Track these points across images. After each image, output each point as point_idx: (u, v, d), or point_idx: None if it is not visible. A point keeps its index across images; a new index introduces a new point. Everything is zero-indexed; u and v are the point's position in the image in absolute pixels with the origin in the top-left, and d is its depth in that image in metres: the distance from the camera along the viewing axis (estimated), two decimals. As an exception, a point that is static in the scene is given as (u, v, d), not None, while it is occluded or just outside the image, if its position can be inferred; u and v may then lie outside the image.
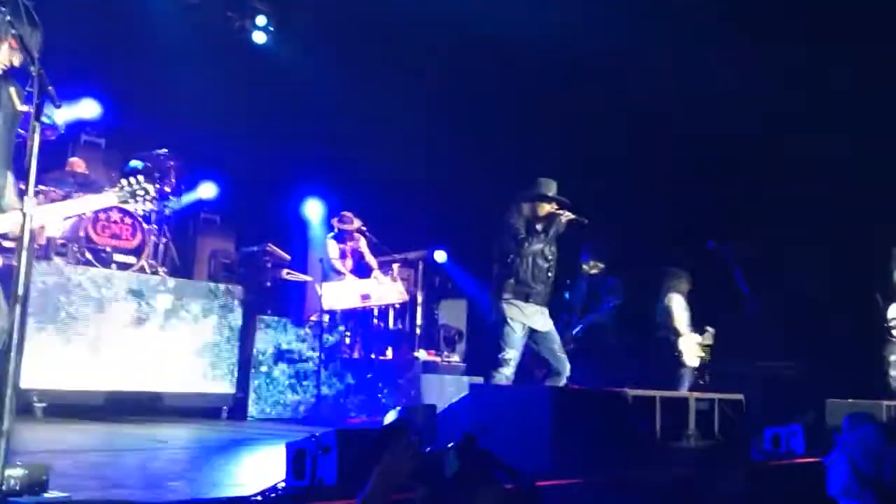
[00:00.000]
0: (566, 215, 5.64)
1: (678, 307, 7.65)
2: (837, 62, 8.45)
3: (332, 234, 8.90)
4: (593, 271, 7.51)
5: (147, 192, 3.21)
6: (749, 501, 3.07)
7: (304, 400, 7.60)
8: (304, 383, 7.64)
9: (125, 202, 3.25)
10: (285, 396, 7.47)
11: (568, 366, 5.72)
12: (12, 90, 3.00)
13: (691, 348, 7.64)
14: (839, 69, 8.51)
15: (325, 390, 7.70)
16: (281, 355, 7.57)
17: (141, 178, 3.23)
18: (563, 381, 5.63)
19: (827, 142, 8.65)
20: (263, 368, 7.36)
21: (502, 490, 2.14)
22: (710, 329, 7.90)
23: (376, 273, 8.78)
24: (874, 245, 7.30)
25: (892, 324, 6.93)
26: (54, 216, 3.47)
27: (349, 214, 8.84)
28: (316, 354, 7.71)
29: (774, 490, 4.16)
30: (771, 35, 8.66)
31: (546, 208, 5.71)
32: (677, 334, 7.63)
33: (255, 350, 7.33)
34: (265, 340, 7.45)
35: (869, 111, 8.48)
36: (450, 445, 2.36)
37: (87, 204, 3.51)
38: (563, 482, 3.44)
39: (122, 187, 3.26)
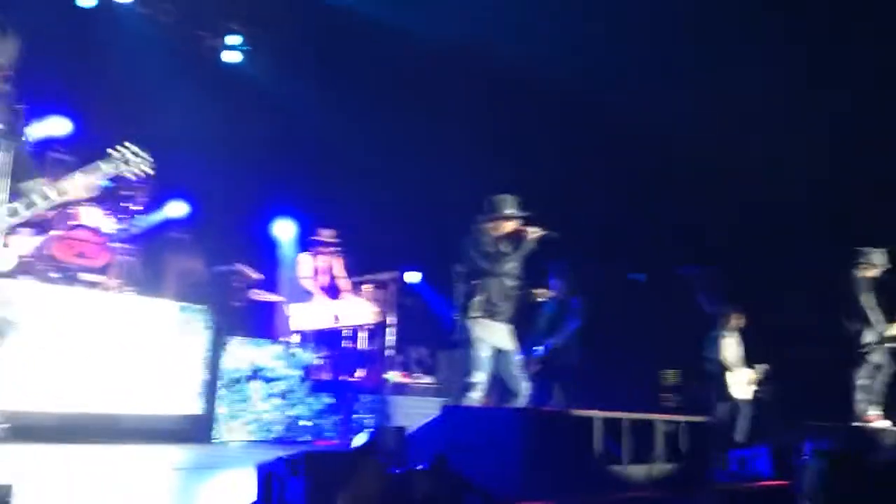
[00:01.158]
0: (536, 232, 5.66)
1: (729, 343, 7.98)
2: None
3: (306, 251, 8.87)
4: (540, 299, 7.52)
5: (139, 156, 3.09)
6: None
7: (279, 419, 7.53)
8: (277, 401, 7.57)
9: (119, 170, 3.09)
10: (259, 416, 7.39)
11: (525, 386, 5.71)
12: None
13: (741, 382, 7.95)
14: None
15: (300, 410, 7.66)
16: (255, 374, 7.51)
17: (131, 145, 3.10)
18: (519, 403, 5.63)
19: (802, 164, 8.85)
20: (235, 388, 7.28)
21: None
22: (762, 365, 8.16)
23: (347, 294, 8.77)
24: (841, 268, 7.45)
25: (864, 349, 7.09)
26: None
27: (327, 231, 8.86)
28: (294, 373, 7.67)
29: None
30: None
31: (510, 225, 5.72)
32: (726, 368, 7.93)
33: (223, 369, 7.25)
34: (238, 358, 7.37)
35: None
36: (419, 467, 2.36)
37: (81, 184, 3.26)
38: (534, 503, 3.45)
39: (111, 156, 3.11)
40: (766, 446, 5.41)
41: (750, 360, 8.23)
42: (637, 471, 4.28)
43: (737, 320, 8.21)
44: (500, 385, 5.87)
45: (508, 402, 5.63)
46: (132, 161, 3.02)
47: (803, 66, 8.61)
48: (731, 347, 8.18)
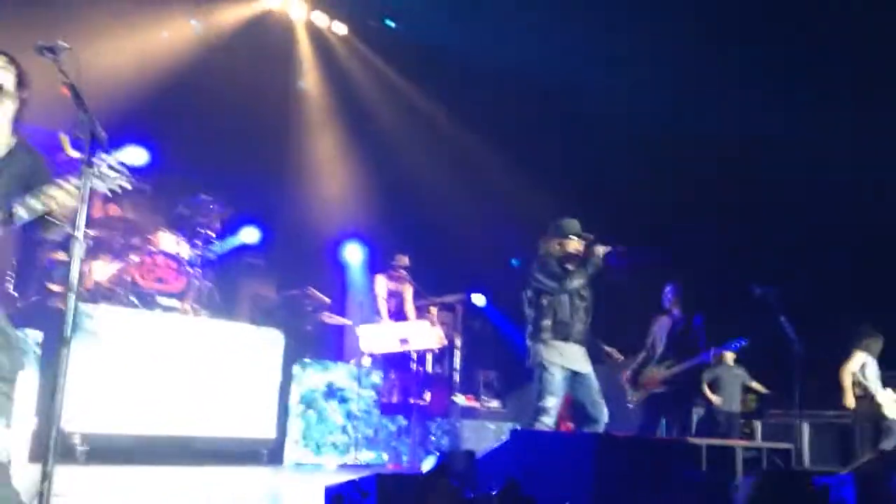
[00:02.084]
0: (601, 248, 5.60)
1: (870, 367, 7.74)
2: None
3: (384, 273, 8.99)
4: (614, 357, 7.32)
5: (115, 170, 2.99)
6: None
7: (354, 440, 7.56)
8: (355, 423, 7.61)
9: (92, 184, 2.97)
10: (334, 436, 7.44)
11: (606, 413, 5.59)
12: (61, 136, 3.07)
13: (890, 401, 7.70)
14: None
15: (376, 431, 7.71)
16: (331, 393, 7.57)
17: (108, 158, 3.00)
18: (599, 429, 5.50)
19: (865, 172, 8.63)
20: (311, 410, 7.35)
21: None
22: None
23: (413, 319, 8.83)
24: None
25: None
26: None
27: (403, 255, 8.98)
28: (367, 393, 7.72)
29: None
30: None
31: (575, 245, 5.69)
32: (869, 392, 7.72)
33: (301, 391, 7.34)
34: (314, 379, 7.46)
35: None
36: (493, 493, 2.32)
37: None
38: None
39: (84, 171, 2.99)
40: (852, 474, 5.17)
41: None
42: (717, 499, 4.13)
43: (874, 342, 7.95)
44: (579, 411, 5.76)
45: (588, 428, 5.50)
46: (107, 176, 2.94)
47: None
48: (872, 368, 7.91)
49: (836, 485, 5.00)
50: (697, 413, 9.26)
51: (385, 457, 7.79)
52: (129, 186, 3.04)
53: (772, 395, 9.00)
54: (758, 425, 8.98)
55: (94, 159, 2.89)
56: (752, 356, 8.61)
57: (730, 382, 9.25)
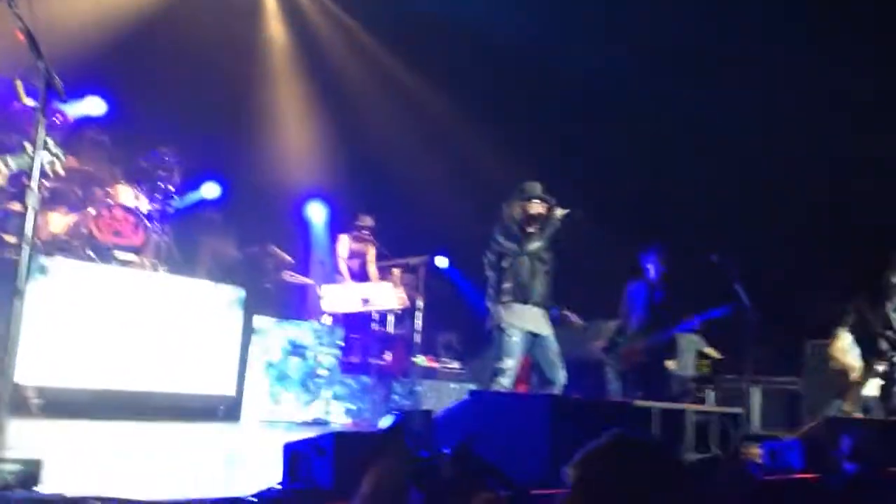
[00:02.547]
0: (559, 211, 5.66)
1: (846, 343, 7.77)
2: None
3: (347, 233, 8.95)
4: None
5: (52, 153, 2.91)
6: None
7: (316, 399, 7.56)
8: (316, 381, 7.60)
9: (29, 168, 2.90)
10: (295, 394, 7.43)
11: (563, 375, 5.68)
12: (17, 82, 2.99)
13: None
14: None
15: (337, 389, 7.71)
16: (294, 351, 7.54)
17: (49, 140, 2.90)
18: (556, 390, 5.59)
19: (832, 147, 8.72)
20: (272, 368, 7.33)
21: (497, 497, 2.13)
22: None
23: (376, 280, 8.82)
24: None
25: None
26: None
27: (366, 216, 8.95)
28: (330, 352, 7.71)
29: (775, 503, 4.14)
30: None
31: (536, 208, 5.73)
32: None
33: (259, 349, 7.31)
34: (276, 336, 7.42)
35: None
36: (444, 451, 2.35)
37: None
38: (559, 491, 3.42)
39: (25, 153, 2.91)
40: (800, 439, 5.32)
41: None
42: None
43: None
44: (537, 373, 5.84)
45: (545, 390, 5.59)
46: (44, 159, 2.83)
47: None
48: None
49: (784, 449, 5.16)
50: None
51: (344, 416, 7.83)
52: (61, 172, 2.95)
53: (725, 360, 9.20)
54: (710, 390, 9.17)
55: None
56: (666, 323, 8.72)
57: (685, 347, 9.44)
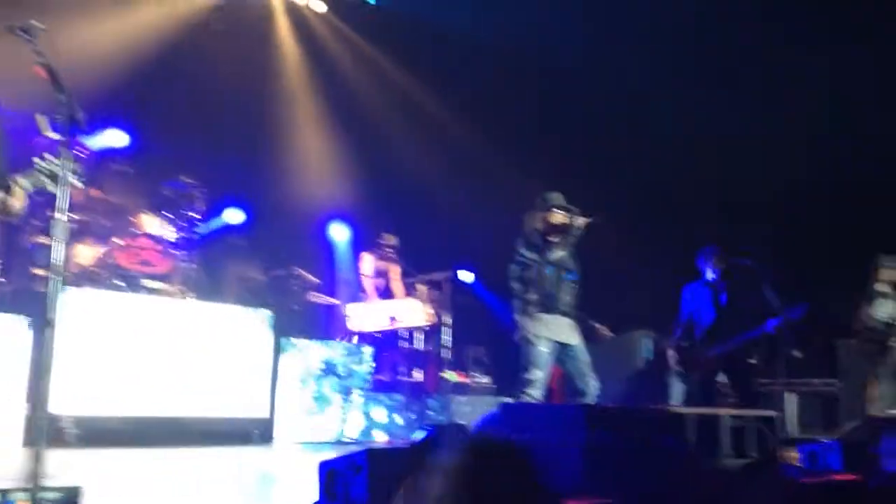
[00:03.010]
0: (581, 219, 5.64)
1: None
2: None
3: (370, 251, 8.99)
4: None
5: (67, 168, 2.94)
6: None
7: (353, 417, 7.56)
8: (349, 399, 7.61)
9: (42, 185, 2.96)
10: (330, 414, 7.44)
11: (595, 386, 5.64)
12: (38, 117, 3.04)
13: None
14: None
15: (372, 407, 7.72)
16: (328, 371, 7.57)
17: (51, 157, 2.93)
18: (588, 401, 5.54)
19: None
20: (306, 388, 7.36)
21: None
22: None
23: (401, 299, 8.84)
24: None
25: None
26: None
27: (390, 235, 8.98)
28: (362, 370, 7.72)
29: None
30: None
31: (559, 218, 5.72)
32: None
33: (292, 370, 7.34)
34: (309, 357, 7.46)
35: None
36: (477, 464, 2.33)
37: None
38: (592, 501, 3.39)
39: (36, 170, 2.94)
40: (839, 440, 5.24)
41: None
42: (703, 467, 4.18)
43: None
44: (568, 384, 5.81)
45: (577, 400, 5.55)
46: (58, 175, 2.85)
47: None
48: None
49: (822, 451, 5.08)
50: (684, 384, 9.35)
51: (380, 433, 7.83)
52: (80, 186, 2.98)
53: (757, 364, 9.08)
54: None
55: (44, 157, 2.84)
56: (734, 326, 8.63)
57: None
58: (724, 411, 4.48)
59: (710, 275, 7.03)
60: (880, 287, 7.27)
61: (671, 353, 7.10)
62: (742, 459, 4.33)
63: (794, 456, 5.27)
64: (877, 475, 4.48)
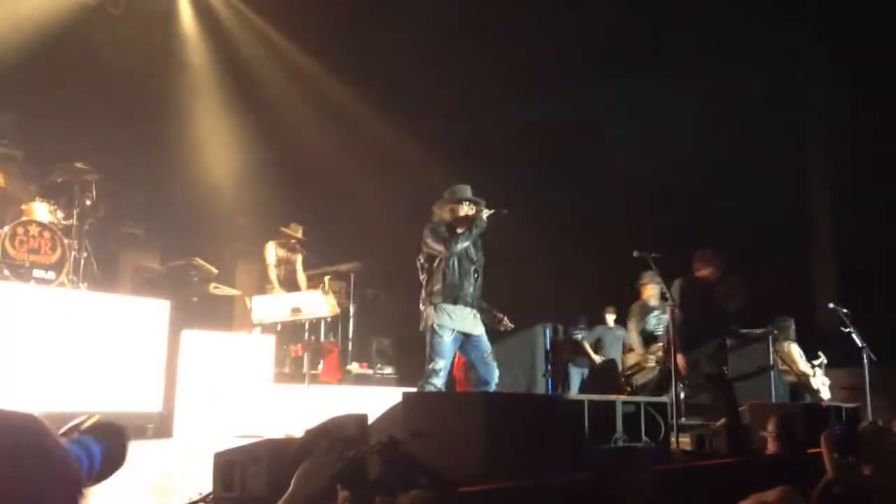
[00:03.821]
0: (485, 211, 5.73)
1: (797, 353, 8.30)
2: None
3: (274, 241, 8.84)
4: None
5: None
6: (671, 500, 3.16)
7: (248, 410, 7.42)
8: (247, 394, 7.47)
9: None
10: (228, 407, 7.29)
11: (496, 374, 5.75)
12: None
13: (823, 383, 8.18)
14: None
15: (271, 401, 7.60)
16: (226, 363, 7.40)
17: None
18: (490, 390, 5.65)
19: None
20: (208, 380, 7.18)
21: (423, 495, 2.15)
22: (820, 355, 8.61)
23: (304, 289, 8.75)
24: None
25: None
26: None
27: (297, 225, 8.84)
28: (260, 364, 7.60)
29: (697, 489, 4.27)
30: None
31: (465, 209, 5.80)
32: (805, 376, 8.36)
33: (187, 363, 7.16)
34: (203, 351, 7.28)
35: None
36: (374, 450, 2.36)
37: None
38: (487, 487, 3.46)
39: None
40: (725, 425, 5.51)
41: None
42: (597, 451, 4.32)
43: None
44: (472, 373, 5.89)
45: (481, 389, 5.64)
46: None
47: None
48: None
49: (712, 435, 5.34)
50: (581, 372, 9.64)
51: (279, 426, 7.74)
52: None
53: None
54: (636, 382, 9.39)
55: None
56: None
57: (611, 342, 9.66)
58: (618, 397, 4.65)
59: (704, 272, 6.88)
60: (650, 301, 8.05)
61: (682, 363, 7.01)
62: (635, 443, 4.51)
63: (685, 441, 5.53)
64: (757, 456, 4.74)
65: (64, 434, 1.38)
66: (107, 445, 1.46)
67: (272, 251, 8.78)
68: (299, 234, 8.84)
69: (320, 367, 8.92)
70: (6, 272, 6.63)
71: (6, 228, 6.84)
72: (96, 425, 1.56)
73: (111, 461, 1.55)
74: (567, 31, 9.43)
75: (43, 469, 0.99)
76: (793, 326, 8.86)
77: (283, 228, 8.84)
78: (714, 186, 9.78)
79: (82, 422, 1.46)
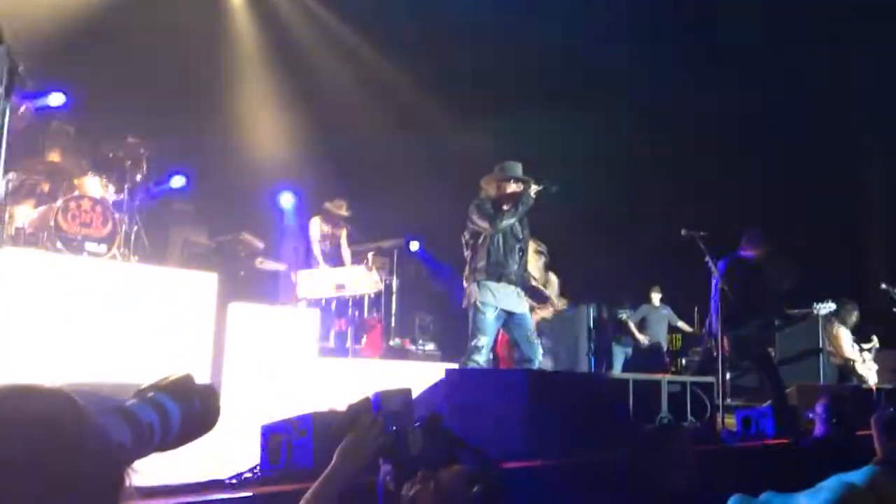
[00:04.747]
0: (532, 188, 5.66)
1: (845, 338, 8.36)
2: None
3: (319, 215, 8.90)
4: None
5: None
6: (717, 481, 3.13)
7: (292, 386, 7.51)
8: (294, 366, 7.55)
9: None
10: (274, 381, 7.38)
11: (540, 352, 5.73)
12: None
13: (870, 368, 8.12)
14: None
15: (316, 375, 7.67)
16: (273, 336, 7.48)
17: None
18: (534, 368, 5.64)
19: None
20: (249, 354, 7.28)
21: (465, 470, 2.16)
22: (873, 338, 8.59)
23: (349, 265, 8.81)
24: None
25: None
26: None
27: (341, 201, 8.87)
28: (307, 339, 7.66)
29: (742, 471, 4.23)
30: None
31: (512, 187, 5.75)
32: (851, 361, 8.31)
33: (235, 336, 7.26)
34: (251, 324, 7.37)
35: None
36: (415, 425, 2.38)
37: None
38: (530, 464, 3.47)
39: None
40: (771, 406, 5.44)
41: None
42: (640, 430, 4.29)
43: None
44: (515, 351, 5.88)
45: (523, 367, 5.63)
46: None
47: None
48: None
49: (758, 416, 5.27)
50: (625, 352, 9.58)
51: (324, 400, 7.83)
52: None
53: (697, 333, 9.34)
54: (683, 362, 9.32)
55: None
56: (677, 296, 8.87)
57: (656, 321, 9.57)
58: (663, 376, 4.62)
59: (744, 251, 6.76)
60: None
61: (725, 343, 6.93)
62: (680, 423, 4.48)
63: (730, 422, 5.47)
64: (805, 438, 4.66)
65: (140, 393, 1.35)
66: (188, 407, 1.39)
67: (317, 227, 8.86)
68: (343, 212, 8.88)
69: (363, 342, 8.99)
70: (59, 245, 6.77)
71: (59, 202, 6.98)
72: (177, 385, 1.45)
73: (195, 423, 1.45)
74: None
75: (76, 449, 0.96)
76: (856, 312, 8.56)
77: (327, 204, 8.88)
78: (762, 165, 9.59)
79: (161, 380, 1.41)
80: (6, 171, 5.24)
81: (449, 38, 9.97)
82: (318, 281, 8.52)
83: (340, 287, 8.48)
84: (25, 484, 0.87)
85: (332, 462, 2.12)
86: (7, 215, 6.65)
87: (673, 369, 9.07)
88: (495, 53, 10.10)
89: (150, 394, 1.33)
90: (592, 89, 9.88)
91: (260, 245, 9.12)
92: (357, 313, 9.09)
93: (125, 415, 1.22)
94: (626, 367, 9.31)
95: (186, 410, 1.37)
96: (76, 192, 7.13)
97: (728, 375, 7.79)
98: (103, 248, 7.11)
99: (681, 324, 9.68)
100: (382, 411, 2.40)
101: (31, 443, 0.92)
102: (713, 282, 6.36)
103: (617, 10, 9.36)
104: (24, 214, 6.96)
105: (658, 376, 4.65)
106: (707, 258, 6.52)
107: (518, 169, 5.82)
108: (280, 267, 9.40)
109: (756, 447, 4.73)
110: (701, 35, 9.34)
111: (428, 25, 9.80)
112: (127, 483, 1.01)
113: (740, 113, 9.56)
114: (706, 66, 9.34)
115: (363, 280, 8.62)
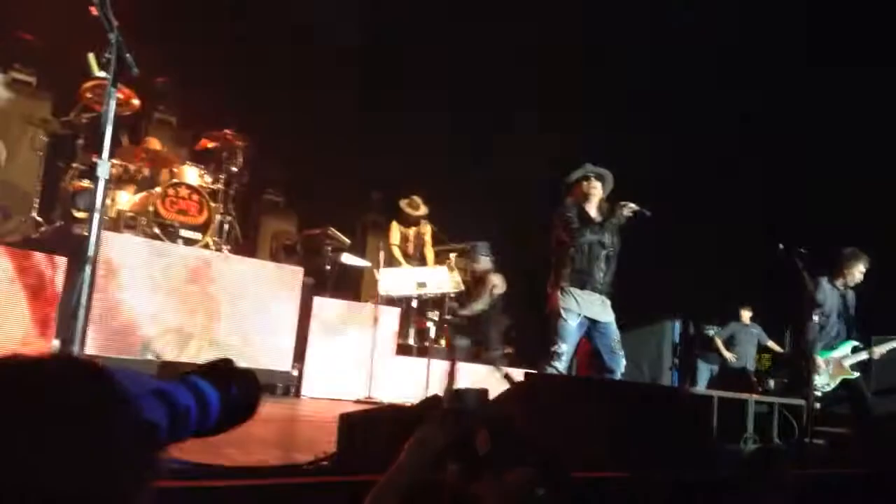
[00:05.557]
0: (629, 206, 5.55)
1: None
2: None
3: (397, 219, 8.99)
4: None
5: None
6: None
7: (370, 379, 7.60)
8: (373, 361, 7.64)
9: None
10: (353, 373, 7.50)
11: (622, 364, 5.60)
12: (89, 56, 3.07)
13: None
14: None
15: (394, 371, 7.78)
16: (352, 331, 7.60)
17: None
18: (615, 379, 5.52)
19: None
20: (336, 345, 7.41)
21: (531, 472, 2.11)
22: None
23: (432, 264, 8.85)
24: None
25: None
26: None
27: (418, 199, 8.91)
28: (386, 334, 7.76)
29: (827, 498, 4.04)
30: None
31: (596, 195, 5.67)
32: None
33: (317, 328, 7.40)
34: (335, 317, 7.51)
35: None
36: (488, 426, 2.35)
37: None
38: (601, 475, 3.39)
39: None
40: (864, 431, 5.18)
41: None
42: (724, 450, 4.16)
43: None
44: (597, 360, 5.76)
45: (604, 377, 5.52)
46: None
47: None
48: None
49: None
50: (711, 369, 9.31)
51: (400, 395, 7.89)
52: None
53: (787, 354, 9.00)
54: (771, 383, 8.99)
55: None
56: (769, 315, 8.55)
57: (745, 340, 9.26)
58: (750, 396, 4.46)
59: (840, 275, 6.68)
60: None
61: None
62: (766, 444, 4.31)
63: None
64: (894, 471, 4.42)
65: (181, 376, 1.32)
66: (227, 393, 1.37)
67: (396, 233, 8.94)
68: (419, 212, 8.90)
69: (443, 341, 9.02)
70: (156, 230, 7.04)
71: (158, 189, 7.25)
72: (216, 369, 1.37)
73: (235, 410, 1.38)
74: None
75: (107, 426, 0.95)
76: None
77: (402, 204, 8.93)
78: (861, 181, 9.14)
79: (202, 365, 1.38)
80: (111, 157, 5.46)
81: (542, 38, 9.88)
82: (401, 279, 8.59)
83: (422, 285, 8.53)
84: (51, 457, 0.87)
85: (401, 456, 2.12)
86: (110, 199, 6.94)
87: (760, 389, 8.75)
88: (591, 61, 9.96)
89: (190, 378, 1.30)
90: (683, 100, 9.63)
91: (346, 241, 9.26)
92: (437, 312, 9.13)
93: (162, 396, 1.20)
94: (711, 384, 9.05)
95: (225, 398, 1.33)
96: (175, 180, 7.39)
97: (817, 402, 7.48)
98: (198, 235, 7.35)
99: (771, 343, 9.35)
100: (455, 409, 2.38)
101: (61, 414, 0.90)
102: (809, 301, 6.12)
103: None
104: (123, 199, 7.25)
105: (744, 395, 4.49)
106: (805, 275, 6.27)
107: (609, 178, 5.73)
108: (365, 264, 9.52)
109: (844, 474, 4.51)
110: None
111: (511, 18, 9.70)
112: (158, 464, 1.00)
113: (853, 127, 9.15)
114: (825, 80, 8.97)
115: (445, 280, 8.65)
